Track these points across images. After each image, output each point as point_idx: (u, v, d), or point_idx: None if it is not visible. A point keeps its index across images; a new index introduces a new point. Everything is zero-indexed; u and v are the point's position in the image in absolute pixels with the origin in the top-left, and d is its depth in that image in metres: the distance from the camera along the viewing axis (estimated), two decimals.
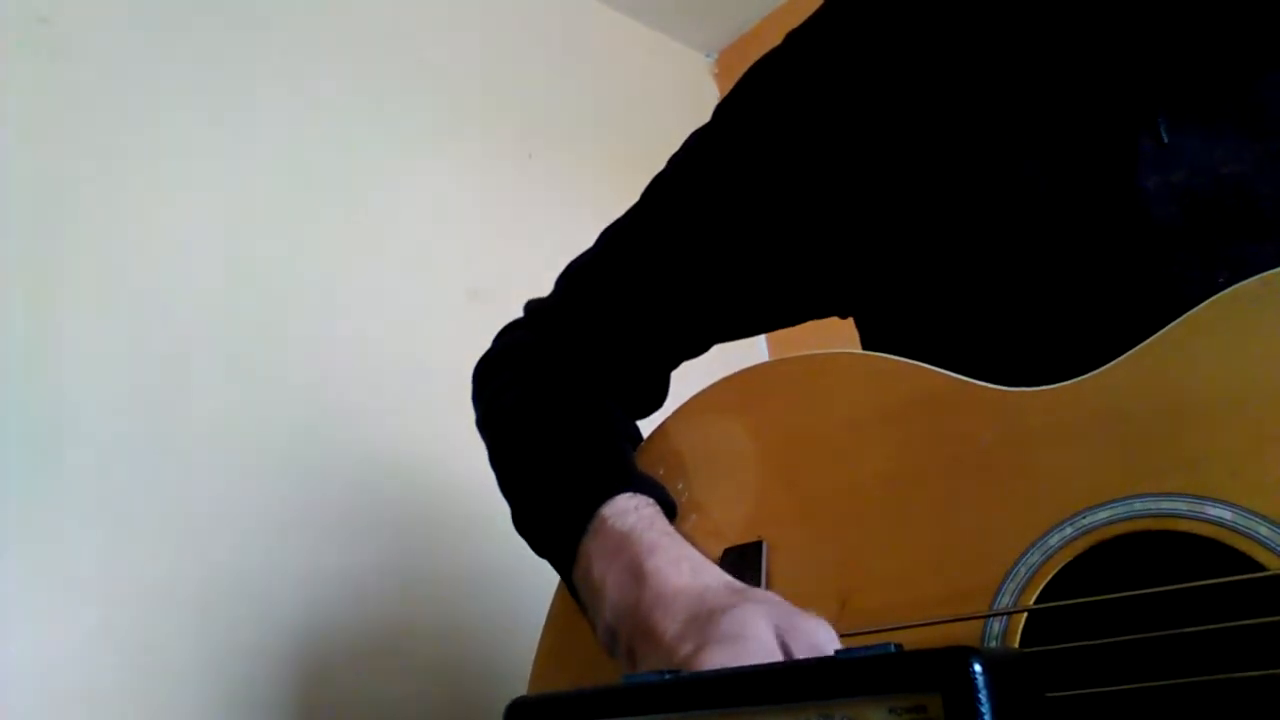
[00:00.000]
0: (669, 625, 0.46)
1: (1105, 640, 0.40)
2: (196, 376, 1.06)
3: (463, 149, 1.47)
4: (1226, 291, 0.42)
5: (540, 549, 0.61)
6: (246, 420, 1.08)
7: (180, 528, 0.99)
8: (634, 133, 1.74)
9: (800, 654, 0.42)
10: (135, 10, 1.16)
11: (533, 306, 0.73)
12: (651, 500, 0.56)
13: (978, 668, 0.30)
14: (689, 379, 0.71)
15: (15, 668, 0.85)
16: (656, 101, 1.86)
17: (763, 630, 0.43)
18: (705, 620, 0.45)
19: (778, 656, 0.41)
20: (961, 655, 0.31)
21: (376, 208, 1.32)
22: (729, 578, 0.50)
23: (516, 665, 1.14)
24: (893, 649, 0.34)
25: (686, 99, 1.92)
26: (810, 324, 0.70)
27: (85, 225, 1.04)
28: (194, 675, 0.95)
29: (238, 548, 1.02)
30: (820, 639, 0.43)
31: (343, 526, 1.11)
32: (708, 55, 2.02)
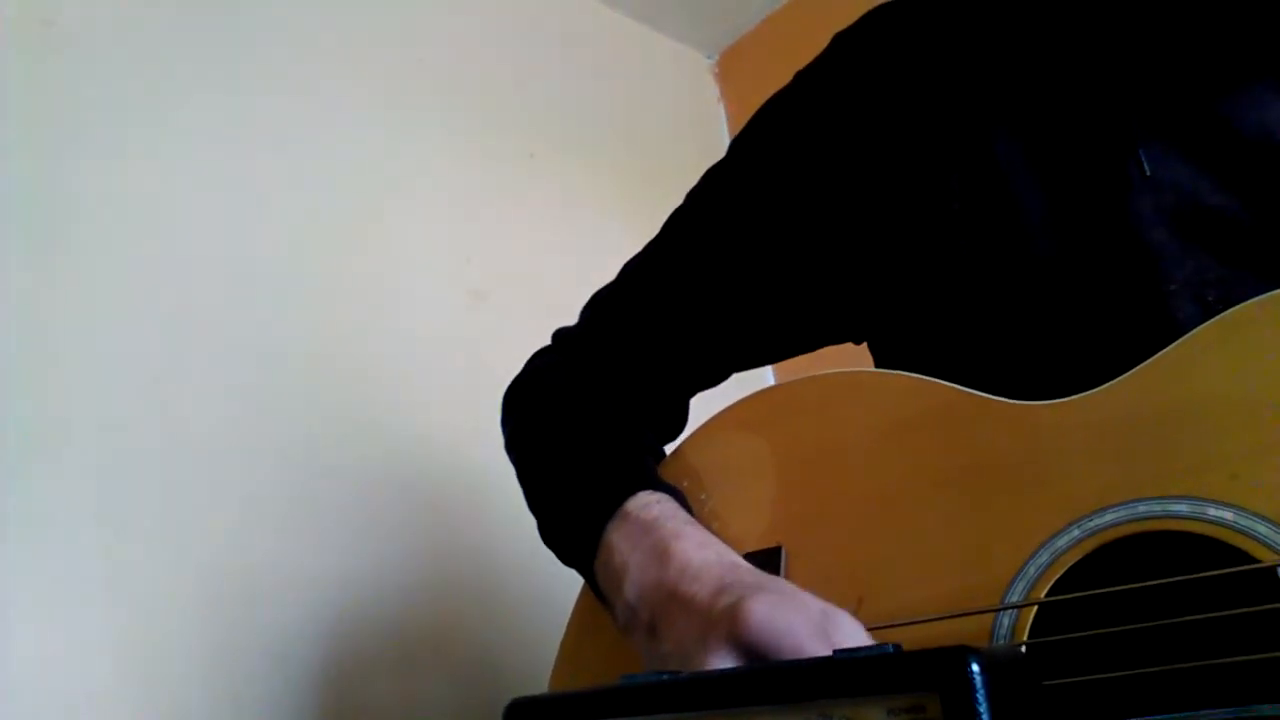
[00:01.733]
0: (700, 589, 0.47)
1: (1110, 629, 0.41)
2: (197, 376, 1.06)
3: (464, 149, 1.47)
4: (1227, 313, 0.44)
5: (565, 553, 0.62)
6: (248, 420, 1.08)
7: (181, 527, 0.99)
8: (635, 133, 1.74)
9: (838, 634, 0.42)
10: (137, 12, 1.17)
11: (560, 335, 0.75)
12: (671, 498, 0.58)
13: (975, 668, 0.31)
14: (703, 401, 0.72)
15: (16, 669, 0.85)
16: (657, 102, 1.85)
17: (807, 596, 0.44)
18: (743, 582, 0.46)
19: (820, 623, 0.42)
20: (959, 655, 0.31)
21: (376, 207, 1.32)
22: (752, 565, 0.51)
23: (529, 665, 1.14)
24: (891, 649, 0.34)
25: (687, 99, 1.92)
26: (823, 350, 0.73)
27: (86, 225, 1.04)
28: (197, 676, 0.95)
29: (239, 548, 1.02)
30: (855, 629, 0.43)
31: (345, 526, 1.11)
32: (708, 56, 2.02)
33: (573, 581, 0.65)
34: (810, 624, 0.41)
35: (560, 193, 1.57)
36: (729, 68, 2.00)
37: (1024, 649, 0.43)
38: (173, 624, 0.95)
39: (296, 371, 1.15)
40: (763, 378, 0.66)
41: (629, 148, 1.70)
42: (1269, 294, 0.44)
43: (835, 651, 0.35)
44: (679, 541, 0.52)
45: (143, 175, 1.10)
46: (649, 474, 0.60)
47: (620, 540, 0.55)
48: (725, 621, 0.43)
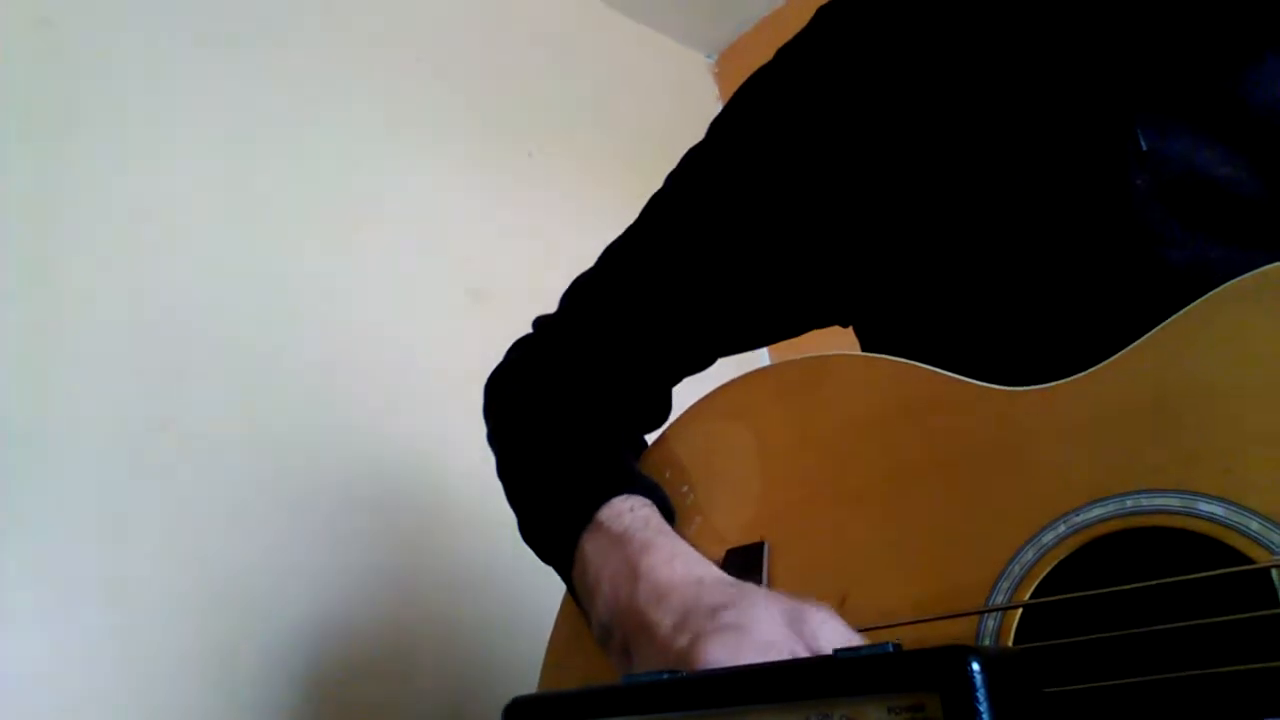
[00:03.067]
0: (663, 619, 0.47)
1: (1099, 635, 0.40)
2: (197, 376, 1.06)
3: (463, 148, 1.47)
4: (1219, 289, 0.42)
5: (544, 555, 0.62)
6: (247, 420, 1.08)
7: (180, 527, 0.99)
8: (634, 132, 1.74)
9: (823, 648, 0.42)
10: (136, 12, 1.17)
11: (540, 322, 0.74)
12: (648, 501, 0.57)
13: (976, 666, 0.30)
14: (688, 385, 0.71)
15: (15, 668, 0.85)
16: (656, 101, 1.86)
17: (766, 624, 0.43)
18: (704, 614, 0.45)
19: (779, 648, 0.42)
20: (960, 654, 0.31)
21: (376, 207, 1.32)
22: (723, 573, 0.50)
23: (520, 666, 1.14)
24: (891, 648, 0.34)
25: (686, 99, 1.92)
26: (811, 333, 0.71)
27: (85, 225, 1.04)
28: (195, 677, 0.95)
29: (238, 548, 1.02)
30: (834, 628, 0.43)
31: (344, 526, 1.11)
32: (708, 56, 2.02)
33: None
34: (768, 659, 0.41)
35: (559, 192, 1.57)
36: (728, 67, 2.01)
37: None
38: (171, 625, 0.95)
39: (296, 372, 1.15)
40: (758, 359, 0.66)
41: (628, 147, 1.70)
42: (1259, 270, 0.41)
43: (835, 651, 0.35)
44: (647, 556, 0.51)
45: (141, 175, 1.10)
46: (625, 475, 0.59)
47: (593, 553, 0.54)
48: (683, 666, 0.42)
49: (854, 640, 0.43)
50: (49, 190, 1.03)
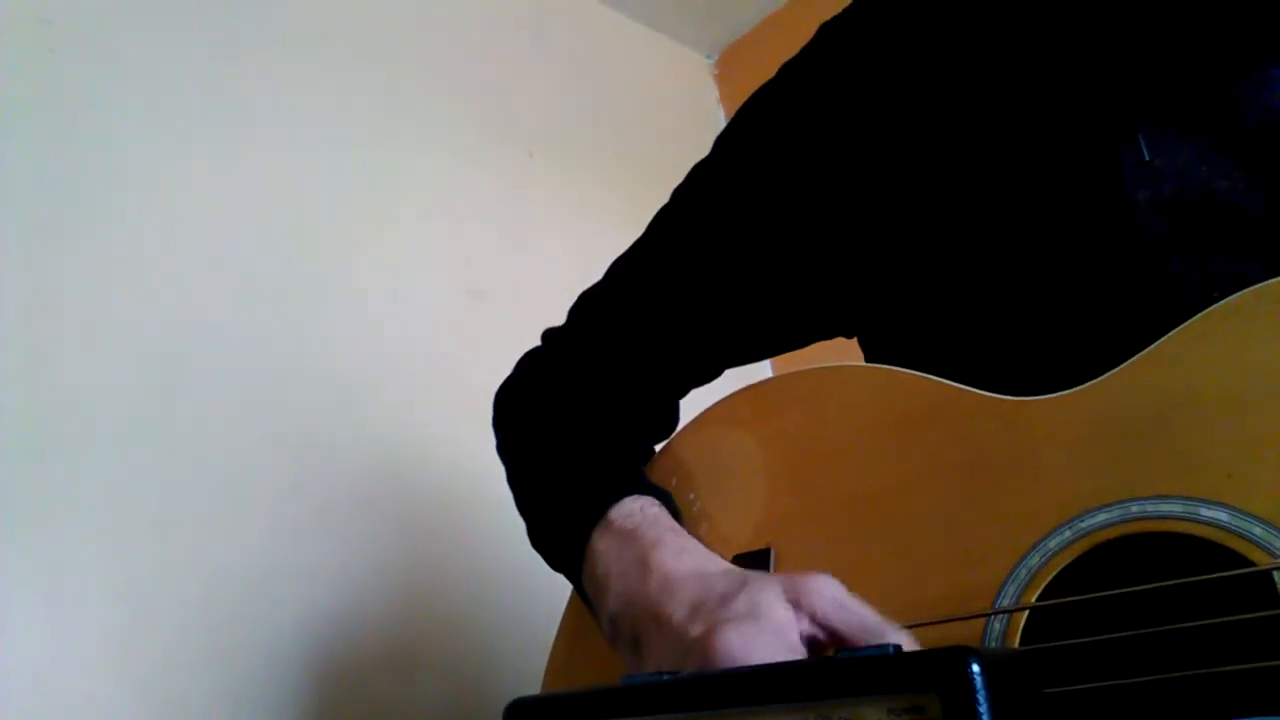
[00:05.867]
0: (675, 609, 0.47)
1: (1103, 637, 0.41)
2: (197, 376, 1.06)
3: (463, 149, 1.47)
4: (1220, 303, 0.43)
5: (553, 559, 0.62)
6: (247, 420, 1.08)
7: (181, 527, 0.99)
8: (634, 133, 1.74)
9: (817, 609, 0.42)
10: (136, 12, 1.17)
11: (549, 335, 0.74)
12: (657, 501, 0.57)
13: (976, 668, 0.31)
14: (694, 395, 0.72)
15: (15, 668, 0.85)
16: (657, 102, 1.86)
17: (776, 606, 0.43)
18: (715, 603, 0.45)
19: (793, 633, 0.42)
20: (959, 655, 0.31)
21: (377, 207, 1.32)
22: (729, 564, 0.51)
23: (523, 665, 1.14)
24: (891, 649, 0.34)
25: (687, 100, 1.92)
26: (815, 345, 0.72)
27: (85, 225, 1.04)
28: (196, 677, 0.95)
29: (239, 548, 1.02)
30: (827, 588, 0.43)
31: (345, 526, 1.11)
32: (708, 57, 2.02)
33: (568, 583, 0.65)
34: (780, 648, 0.41)
35: (560, 193, 1.57)
36: (728, 68, 2.01)
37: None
38: (172, 625, 0.95)
39: (297, 372, 1.15)
40: (761, 371, 0.66)
41: (629, 148, 1.70)
42: (1263, 284, 0.42)
43: (836, 651, 0.35)
44: (657, 552, 0.52)
45: (142, 176, 1.10)
46: (635, 477, 0.60)
47: (604, 550, 0.55)
48: (697, 655, 0.43)
49: (846, 600, 0.43)
50: (49, 190, 1.03)
